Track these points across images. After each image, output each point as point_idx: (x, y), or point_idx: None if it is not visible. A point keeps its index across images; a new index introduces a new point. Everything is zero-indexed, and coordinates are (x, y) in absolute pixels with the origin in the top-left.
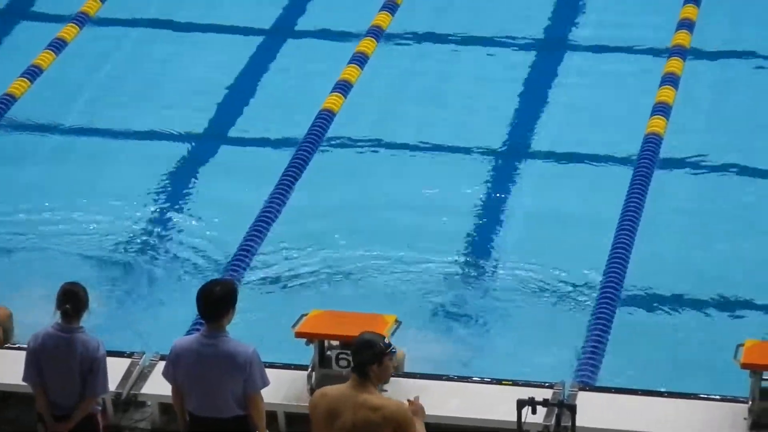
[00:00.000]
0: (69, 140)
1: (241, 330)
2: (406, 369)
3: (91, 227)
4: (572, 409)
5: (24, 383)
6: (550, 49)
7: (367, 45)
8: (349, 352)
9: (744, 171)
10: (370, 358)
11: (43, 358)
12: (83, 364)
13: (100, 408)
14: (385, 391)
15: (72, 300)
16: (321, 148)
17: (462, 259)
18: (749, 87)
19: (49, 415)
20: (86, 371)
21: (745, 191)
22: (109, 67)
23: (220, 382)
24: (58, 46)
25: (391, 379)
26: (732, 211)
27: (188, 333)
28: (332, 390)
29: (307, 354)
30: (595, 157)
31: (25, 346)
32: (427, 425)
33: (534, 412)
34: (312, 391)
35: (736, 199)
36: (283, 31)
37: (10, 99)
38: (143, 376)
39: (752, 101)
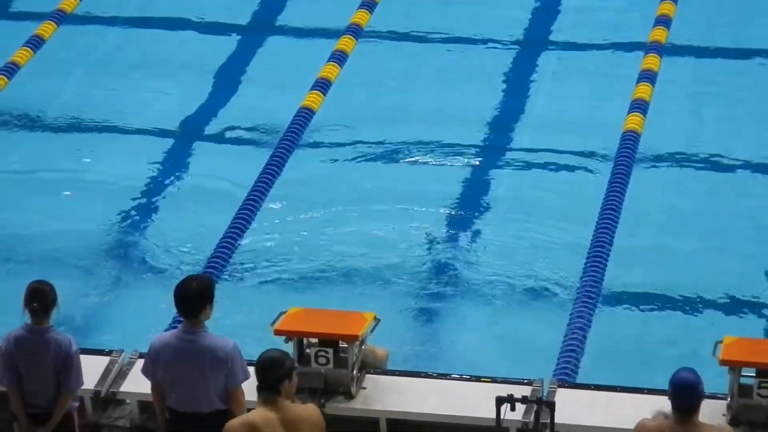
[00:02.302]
0: (47, 136)
1: (220, 327)
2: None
3: (69, 224)
4: (551, 406)
5: None
6: (528, 45)
7: (346, 43)
8: (328, 349)
9: (720, 165)
10: (282, 375)
11: (16, 359)
12: (57, 362)
13: (76, 405)
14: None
15: (39, 298)
16: (299, 145)
17: (441, 256)
18: (726, 82)
19: (23, 416)
20: (60, 369)
21: (724, 187)
22: (87, 64)
23: (200, 378)
24: (35, 43)
25: (372, 376)
26: (711, 207)
27: (167, 330)
28: (253, 417)
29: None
30: (572, 154)
31: None
32: (406, 422)
33: (513, 409)
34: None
35: (715, 195)
36: (263, 28)
37: None
38: (122, 374)
39: (729, 96)
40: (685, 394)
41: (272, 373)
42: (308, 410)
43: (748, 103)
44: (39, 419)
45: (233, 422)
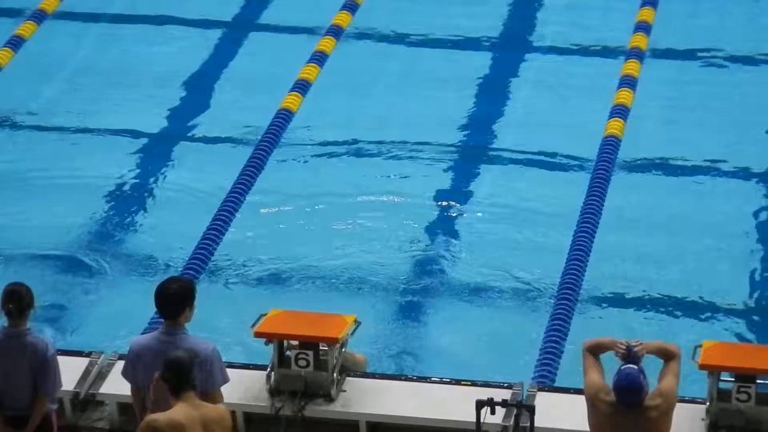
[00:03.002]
0: (28, 134)
1: (200, 329)
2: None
3: (48, 224)
4: (531, 410)
5: None
6: (511, 49)
7: (326, 44)
8: (308, 351)
9: (699, 169)
10: (194, 371)
11: None
12: (33, 365)
13: (55, 407)
14: None
15: (15, 300)
16: (279, 145)
17: (421, 259)
18: (703, 87)
19: (0, 419)
20: (37, 372)
21: (701, 188)
22: (70, 63)
23: None
24: (15, 43)
25: (352, 379)
26: (691, 212)
27: (146, 331)
28: (177, 415)
29: (267, 353)
30: (553, 159)
31: None
32: (386, 426)
33: (493, 412)
34: (272, 392)
35: (695, 201)
36: (243, 29)
37: None
38: (102, 376)
39: (705, 102)
40: (631, 395)
41: (189, 370)
42: (219, 410)
43: (724, 108)
44: (18, 421)
45: (159, 419)
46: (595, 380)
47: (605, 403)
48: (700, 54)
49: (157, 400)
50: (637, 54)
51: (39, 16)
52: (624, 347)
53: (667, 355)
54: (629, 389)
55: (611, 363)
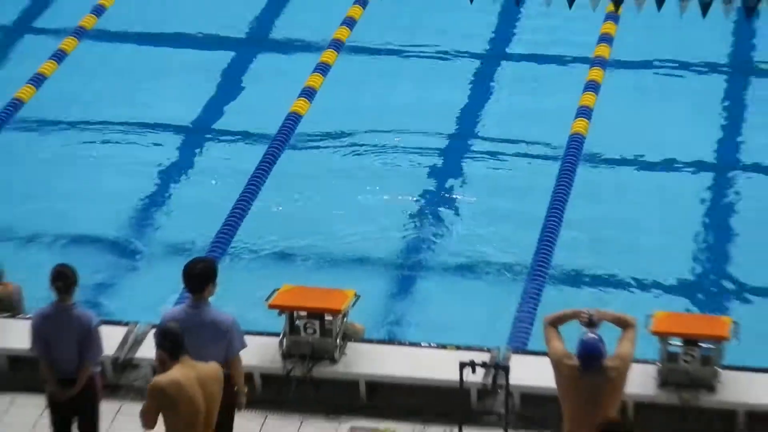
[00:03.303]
0: (72, 135)
1: (222, 302)
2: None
3: (93, 210)
4: (506, 370)
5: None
6: (489, 57)
7: (328, 55)
8: (315, 321)
9: (654, 163)
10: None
11: (45, 332)
12: (80, 335)
13: (98, 370)
14: None
15: (62, 278)
16: (288, 145)
17: (412, 240)
18: (661, 91)
19: (52, 381)
20: (83, 341)
21: (655, 179)
22: (106, 73)
23: (205, 346)
24: (59, 56)
25: (352, 344)
26: (644, 199)
27: (175, 304)
28: (177, 375)
29: (279, 323)
30: (526, 153)
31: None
32: (382, 384)
33: (474, 372)
34: (284, 355)
35: (650, 188)
36: (256, 42)
37: (19, 102)
38: (138, 342)
39: (662, 103)
40: (592, 359)
41: (182, 337)
42: (213, 368)
43: (681, 109)
44: (67, 383)
45: (161, 380)
46: (558, 348)
47: (568, 368)
48: (655, 63)
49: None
50: (600, 62)
51: (79, 32)
52: (587, 316)
53: (624, 324)
54: (591, 356)
55: (573, 332)
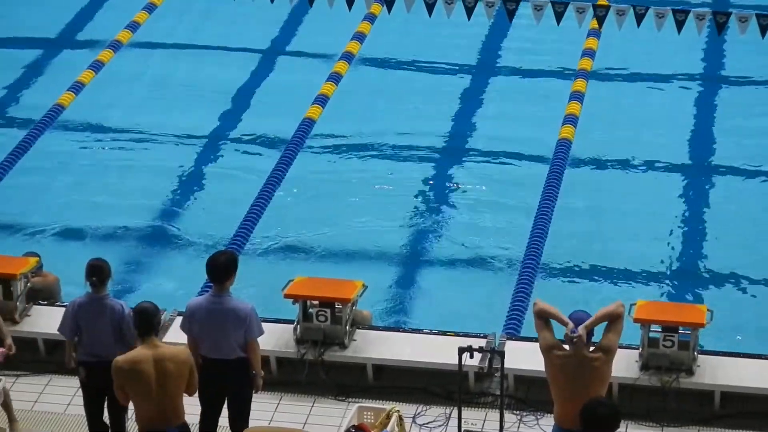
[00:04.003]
0: (111, 134)
1: (242, 292)
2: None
3: (125, 208)
4: (502, 355)
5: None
6: (482, 70)
7: (341, 66)
8: (326, 309)
9: (634, 165)
10: (159, 318)
11: (79, 320)
12: (113, 323)
13: None
14: None
15: (98, 273)
16: (303, 148)
17: (415, 235)
18: (638, 100)
19: (70, 359)
20: (117, 328)
21: (636, 180)
22: (140, 83)
23: (226, 332)
24: (96, 66)
25: (361, 331)
26: (626, 198)
27: (199, 294)
28: (134, 354)
29: (293, 311)
30: (519, 156)
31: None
32: (387, 368)
33: (471, 356)
34: (297, 341)
35: (629, 188)
36: (275, 53)
37: (60, 108)
38: (164, 328)
39: (640, 112)
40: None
41: (153, 319)
42: (175, 349)
43: (657, 114)
44: (99, 366)
45: (118, 359)
46: (547, 338)
47: (558, 357)
48: (634, 75)
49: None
50: (583, 74)
51: (115, 45)
52: (569, 337)
53: (611, 318)
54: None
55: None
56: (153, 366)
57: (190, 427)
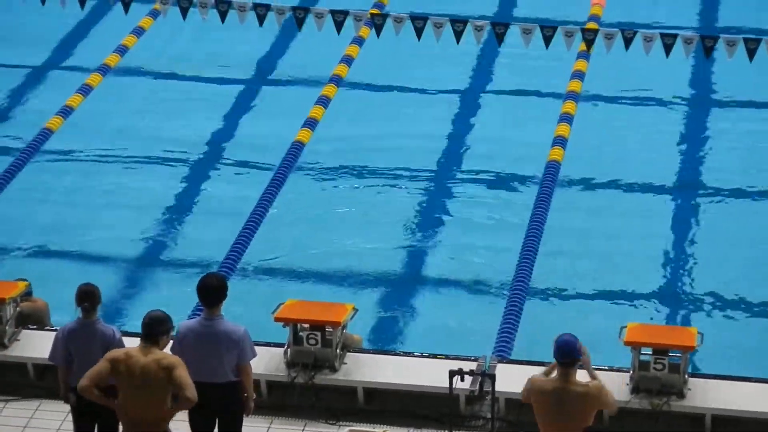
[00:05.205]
0: (93, 164)
1: (232, 315)
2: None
3: (113, 233)
4: (492, 378)
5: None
6: (472, 91)
7: (329, 89)
8: (317, 332)
9: (623, 186)
10: (166, 329)
11: (70, 346)
12: (104, 348)
13: None
14: None
15: (89, 298)
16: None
17: (405, 259)
18: (629, 121)
19: (65, 390)
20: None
21: (625, 201)
22: (124, 108)
23: (218, 355)
24: (85, 90)
25: (351, 354)
26: (616, 219)
27: (190, 317)
28: (128, 350)
29: (284, 334)
30: (509, 176)
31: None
32: (378, 391)
33: (462, 380)
34: (288, 364)
35: (620, 208)
36: (264, 76)
37: (48, 132)
38: None
39: (629, 134)
40: (566, 350)
41: (159, 327)
42: (163, 353)
43: (646, 136)
44: None
45: (116, 351)
46: (530, 398)
47: (542, 400)
48: (624, 96)
49: None
50: (573, 96)
51: (104, 69)
52: None
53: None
54: (564, 349)
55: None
56: (137, 364)
57: None
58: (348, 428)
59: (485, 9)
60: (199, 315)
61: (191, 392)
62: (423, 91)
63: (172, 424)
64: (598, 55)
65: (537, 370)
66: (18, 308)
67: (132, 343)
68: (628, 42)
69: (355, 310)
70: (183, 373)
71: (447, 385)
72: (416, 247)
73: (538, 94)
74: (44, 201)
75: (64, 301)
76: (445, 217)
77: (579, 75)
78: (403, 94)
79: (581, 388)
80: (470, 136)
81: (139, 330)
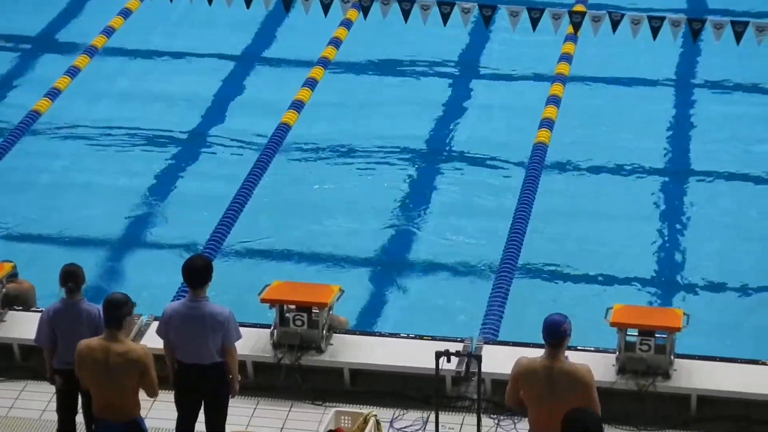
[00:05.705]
0: (80, 143)
1: (217, 297)
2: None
3: (100, 214)
4: (478, 359)
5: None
6: (463, 75)
7: (316, 72)
8: (303, 314)
9: (610, 169)
10: (128, 311)
11: (55, 326)
12: (90, 327)
13: None
14: None
15: (73, 279)
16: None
17: (391, 241)
18: (615, 106)
19: (52, 371)
20: (94, 333)
21: (612, 184)
22: (114, 88)
23: (203, 337)
24: (73, 72)
25: (337, 335)
26: (602, 202)
27: (175, 298)
28: (88, 342)
29: (270, 315)
30: (496, 159)
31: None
32: (364, 372)
33: (449, 361)
34: (274, 345)
35: (607, 191)
36: (250, 60)
37: (36, 114)
38: (141, 333)
39: (616, 117)
40: (554, 329)
41: (117, 311)
42: (131, 346)
43: (633, 119)
44: (73, 373)
45: (81, 343)
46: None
47: (530, 385)
48: (610, 78)
49: None
50: (560, 78)
51: (91, 51)
52: None
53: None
54: (552, 328)
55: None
56: (103, 356)
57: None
58: (334, 409)
59: None
60: (184, 296)
61: (154, 392)
62: (409, 73)
63: (159, 404)
64: (585, 37)
65: (523, 352)
66: (4, 289)
67: None
68: (615, 25)
69: (342, 291)
70: (151, 373)
71: (433, 367)
72: (403, 229)
73: (525, 76)
74: (30, 183)
75: (50, 283)
76: (431, 198)
77: (566, 57)
78: (389, 76)
79: (570, 366)
80: (457, 119)
81: None
